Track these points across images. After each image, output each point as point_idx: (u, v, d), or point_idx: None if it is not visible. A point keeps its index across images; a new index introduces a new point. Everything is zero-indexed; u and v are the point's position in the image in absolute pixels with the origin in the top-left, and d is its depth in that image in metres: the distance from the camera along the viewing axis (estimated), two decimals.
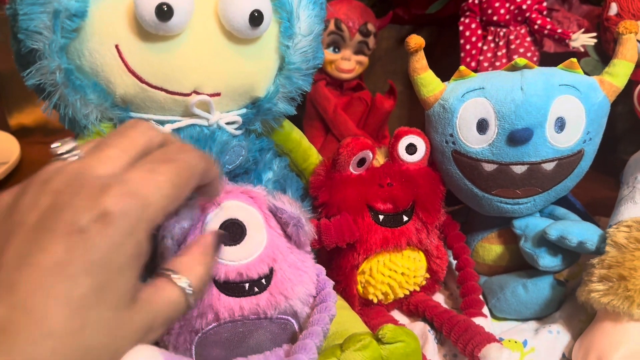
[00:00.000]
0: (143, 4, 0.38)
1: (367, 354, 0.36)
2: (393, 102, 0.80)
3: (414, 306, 0.55)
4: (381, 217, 0.51)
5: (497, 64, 0.78)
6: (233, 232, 0.37)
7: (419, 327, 0.53)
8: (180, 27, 0.40)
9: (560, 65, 0.52)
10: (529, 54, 0.77)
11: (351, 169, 0.51)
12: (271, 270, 0.37)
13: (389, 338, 0.37)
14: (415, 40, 0.53)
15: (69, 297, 0.24)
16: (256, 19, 0.41)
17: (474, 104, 0.51)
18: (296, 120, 0.57)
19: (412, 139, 0.53)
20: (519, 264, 0.56)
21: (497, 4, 0.76)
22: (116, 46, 0.40)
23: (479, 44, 0.79)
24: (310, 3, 0.47)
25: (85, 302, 0.24)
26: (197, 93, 0.43)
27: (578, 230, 0.49)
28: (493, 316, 0.55)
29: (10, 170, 0.86)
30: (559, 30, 0.75)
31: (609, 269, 0.46)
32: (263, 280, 0.37)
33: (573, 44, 0.74)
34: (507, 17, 0.77)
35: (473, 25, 0.79)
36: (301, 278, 0.39)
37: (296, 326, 0.39)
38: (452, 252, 0.58)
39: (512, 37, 0.77)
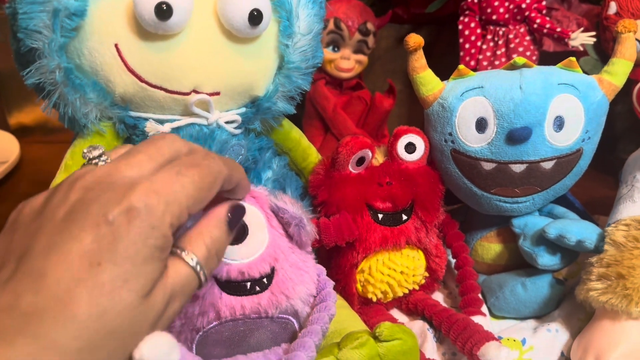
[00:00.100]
0: (142, 3, 0.38)
1: (364, 352, 0.36)
2: (392, 101, 0.80)
3: (413, 305, 0.55)
4: (380, 216, 0.51)
5: (497, 62, 0.78)
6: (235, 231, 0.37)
7: (418, 326, 0.53)
8: (180, 26, 0.40)
9: (559, 64, 0.52)
10: (528, 53, 0.77)
11: (350, 168, 0.51)
12: (272, 270, 0.37)
13: (386, 336, 0.37)
14: (414, 39, 0.53)
15: (95, 284, 0.25)
16: (255, 18, 0.41)
17: (473, 102, 0.51)
18: (296, 120, 0.57)
19: (411, 138, 0.53)
20: (518, 263, 0.56)
21: (496, 3, 0.76)
22: (115, 45, 0.40)
23: (478, 43, 0.79)
24: (309, 2, 0.47)
25: (110, 288, 0.25)
26: (197, 92, 0.44)
27: (577, 229, 0.50)
28: (492, 315, 0.55)
29: (10, 169, 0.87)
30: (558, 29, 0.75)
31: (607, 268, 0.46)
32: (264, 280, 0.37)
33: (572, 42, 0.74)
34: (507, 16, 0.77)
35: (472, 24, 0.79)
36: (302, 278, 0.39)
37: (296, 325, 0.39)
38: (451, 250, 0.58)
39: (511, 36, 0.77)
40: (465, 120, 0.51)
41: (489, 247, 0.58)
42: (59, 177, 0.45)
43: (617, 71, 0.51)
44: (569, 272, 0.59)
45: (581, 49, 0.75)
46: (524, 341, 0.50)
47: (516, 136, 0.49)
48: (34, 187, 0.74)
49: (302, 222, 0.39)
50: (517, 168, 0.51)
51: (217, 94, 0.45)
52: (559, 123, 0.49)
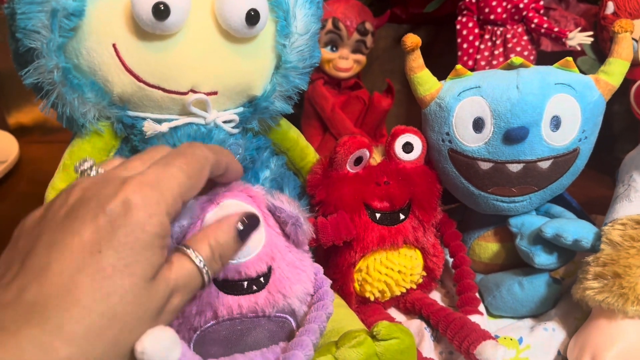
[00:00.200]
0: (140, 3, 0.38)
1: (361, 351, 0.36)
2: (391, 101, 0.81)
3: (410, 304, 0.55)
4: (378, 215, 0.52)
5: (494, 62, 0.78)
6: None
7: (416, 325, 0.53)
8: (177, 26, 0.40)
9: (556, 64, 0.53)
10: (525, 53, 0.78)
11: (348, 168, 0.51)
12: (269, 269, 0.37)
13: (384, 335, 0.37)
14: (412, 39, 0.53)
15: (97, 269, 0.26)
16: (252, 17, 0.42)
17: (470, 102, 0.51)
18: (294, 120, 0.57)
19: (409, 137, 0.54)
20: (515, 262, 0.56)
21: (494, 3, 0.76)
22: (113, 45, 0.40)
23: (476, 43, 0.79)
24: (306, 2, 0.47)
25: (111, 272, 0.26)
26: (194, 92, 0.44)
27: (573, 228, 0.50)
28: (489, 314, 0.56)
29: (9, 169, 0.87)
30: (556, 29, 0.75)
31: (603, 267, 0.46)
32: (261, 279, 0.37)
33: (570, 42, 0.74)
34: (504, 15, 0.77)
35: (470, 24, 0.79)
36: (299, 277, 0.39)
37: (294, 324, 0.39)
38: (448, 250, 0.58)
39: (509, 35, 0.78)
40: (463, 120, 0.52)
41: (486, 246, 0.58)
42: (57, 177, 0.45)
43: (614, 71, 0.51)
44: (566, 271, 0.60)
45: (579, 48, 0.75)
46: (520, 340, 0.51)
47: (513, 136, 0.49)
48: (33, 186, 0.75)
49: (299, 221, 0.39)
50: (514, 168, 0.51)
51: (215, 93, 0.45)
52: (556, 123, 0.50)
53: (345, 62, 0.78)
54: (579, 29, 0.75)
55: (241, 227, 0.34)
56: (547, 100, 0.49)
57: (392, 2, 0.90)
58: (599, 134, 0.53)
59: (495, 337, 0.47)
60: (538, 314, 0.54)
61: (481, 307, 0.54)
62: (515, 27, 0.78)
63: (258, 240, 0.37)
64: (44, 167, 0.49)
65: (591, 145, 0.53)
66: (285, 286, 0.38)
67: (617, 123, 0.83)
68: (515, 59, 0.52)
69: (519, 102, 0.49)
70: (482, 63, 0.79)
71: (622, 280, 0.45)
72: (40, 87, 0.41)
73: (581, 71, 0.52)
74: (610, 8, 0.77)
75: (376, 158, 0.54)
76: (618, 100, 0.67)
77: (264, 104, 0.48)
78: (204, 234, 0.33)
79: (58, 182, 0.45)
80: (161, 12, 0.38)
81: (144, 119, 0.44)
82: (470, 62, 0.79)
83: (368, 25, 0.77)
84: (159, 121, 0.44)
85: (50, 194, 0.45)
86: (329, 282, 0.42)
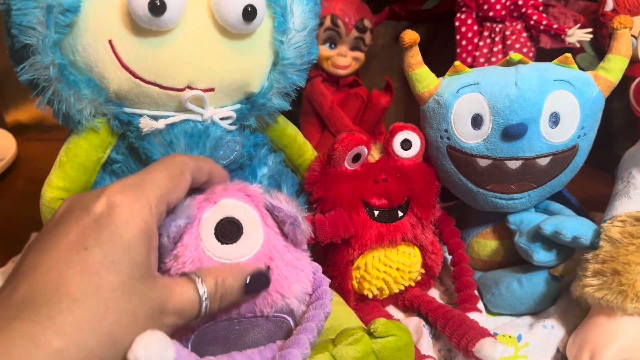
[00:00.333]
0: None
1: (359, 348, 0.36)
2: (389, 98, 0.80)
3: (409, 301, 0.55)
4: (376, 212, 0.51)
5: (493, 59, 0.78)
6: (230, 230, 0.37)
7: (414, 322, 0.53)
8: (174, 22, 0.40)
9: (555, 61, 0.52)
10: (524, 50, 0.77)
11: (346, 165, 0.51)
12: (268, 269, 0.37)
13: (381, 332, 0.37)
14: (410, 36, 0.53)
15: (84, 265, 0.27)
16: (249, 13, 0.41)
17: (469, 99, 0.51)
18: (292, 117, 0.57)
19: (407, 134, 0.53)
20: (514, 259, 0.56)
21: (493, 0, 0.76)
22: (109, 41, 0.40)
23: (475, 40, 0.79)
24: None
25: (99, 268, 0.27)
26: (191, 88, 0.43)
27: (572, 225, 0.50)
28: (488, 311, 0.55)
29: (7, 167, 0.87)
30: (555, 26, 0.75)
31: (603, 264, 0.46)
32: None
33: (569, 39, 0.74)
34: (503, 12, 0.77)
35: (469, 21, 0.79)
36: (298, 276, 0.39)
37: (292, 324, 0.39)
38: (447, 247, 0.58)
39: (508, 32, 0.77)
40: (461, 116, 0.51)
41: (485, 243, 0.58)
42: (54, 174, 0.45)
43: (613, 67, 0.51)
44: (565, 268, 0.60)
45: (578, 45, 0.75)
46: (519, 337, 0.50)
47: (512, 132, 0.49)
48: (31, 184, 0.75)
49: (297, 221, 0.39)
50: (513, 164, 0.51)
51: (212, 90, 0.44)
52: (555, 119, 0.49)
53: (344, 59, 0.78)
54: (578, 25, 0.75)
55: (249, 281, 0.35)
56: (546, 96, 0.49)
57: None
58: (598, 131, 0.53)
59: (494, 335, 0.46)
60: (537, 312, 0.54)
61: (480, 305, 0.54)
62: (514, 24, 0.78)
63: (256, 240, 0.37)
64: (42, 165, 0.49)
65: (590, 142, 0.52)
66: (283, 286, 0.38)
67: (617, 120, 0.83)
68: (514, 56, 0.52)
69: (517, 99, 0.49)
70: (481, 60, 0.79)
71: (621, 277, 0.44)
72: (36, 83, 0.41)
73: (580, 68, 0.52)
74: (609, 5, 0.77)
75: (374, 155, 0.54)
76: (617, 97, 0.67)
77: (261, 100, 0.48)
78: (215, 270, 0.34)
79: (54, 179, 0.44)
80: (157, 7, 0.38)
81: (141, 115, 0.44)
82: (469, 59, 0.79)
83: (367, 23, 0.77)
84: (156, 118, 0.44)
85: (46, 191, 0.44)
86: (327, 281, 0.42)
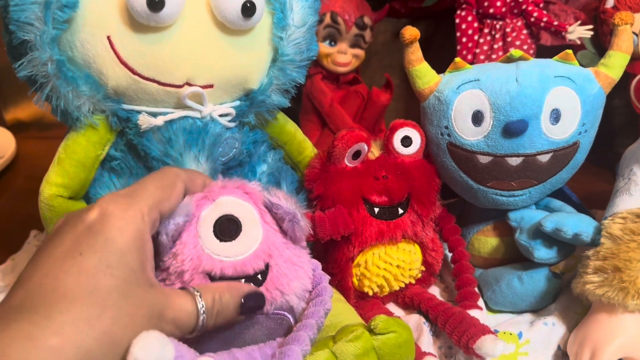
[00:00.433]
0: None
1: (359, 345, 0.36)
2: (389, 95, 0.80)
3: (409, 299, 0.55)
4: (376, 209, 0.51)
5: (494, 56, 0.77)
6: (228, 228, 0.37)
7: (414, 320, 0.53)
8: (172, 17, 0.40)
9: (556, 57, 0.52)
10: (525, 47, 0.77)
11: (346, 162, 0.51)
12: (267, 266, 0.37)
13: (381, 329, 0.37)
14: (410, 32, 0.53)
15: (80, 269, 0.27)
16: (248, 9, 0.41)
17: (469, 95, 0.51)
18: (292, 115, 0.57)
19: (408, 131, 0.53)
20: (515, 257, 0.56)
21: None
22: (108, 37, 0.40)
23: (476, 37, 0.79)
24: None
25: (95, 272, 0.28)
26: (190, 85, 0.43)
27: (573, 222, 0.49)
28: (488, 309, 0.55)
29: (6, 164, 0.87)
30: (555, 23, 0.75)
31: (604, 261, 0.46)
32: (259, 276, 0.37)
33: (569, 36, 0.74)
34: (504, 9, 0.77)
35: (469, 18, 0.79)
36: (297, 273, 0.39)
37: (292, 321, 0.39)
38: (447, 244, 0.58)
39: (508, 29, 0.77)
40: (462, 113, 0.51)
41: (486, 240, 0.58)
42: (52, 171, 0.45)
43: (614, 64, 0.51)
44: (566, 265, 0.59)
45: (578, 42, 0.75)
46: (520, 335, 0.50)
47: (512, 129, 0.49)
48: (30, 182, 0.75)
49: (296, 218, 0.39)
50: (514, 161, 0.50)
51: (211, 86, 0.44)
52: (556, 116, 0.49)
53: (344, 56, 0.78)
54: (579, 22, 0.74)
55: (244, 301, 0.35)
56: (547, 93, 0.49)
57: None
58: (599, 129, 0.53)
59: (495, 332, 0.46)
60: (538, 309, 0.54)
61: (480, 302, 0.54)
62: (514, 21, 0.78)
63: (255, 237, 0.37)
64: (41, 162, 0.49)
65: (591, 139, 0.52)
66: (283, 283, 0.38)
67: (617, 117, 0.83)
68: (515, 52, 0.52)
69: (518, 95, 0.49)
70: (482, 57, 0.78)
71: (622, 274, 0.44)
72: (35, 80, 0.41)
73: (581, 65, 0.52)
74: (610, 2, 0.77)
75: (374, 152, 0.54)
76: (618, 94, 0.67)
77: (260, 97, 0.48)
78: (213, 287, 0.34)
79: (53, 176, 0.44)
80: (155, 3, 0.38)
81: (139, 112, 0.44)
82: (469, 56, 0.79)
83: (367, 20, 0.77)
84: (154, 114, 0.44)
85: (45, 188, 0.44)
86: (327, 278, 0.42)
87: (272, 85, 0.48)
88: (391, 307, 0.57)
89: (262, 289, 0.37)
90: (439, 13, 0.88)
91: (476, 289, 0.54)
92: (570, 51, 0.52)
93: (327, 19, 0.75)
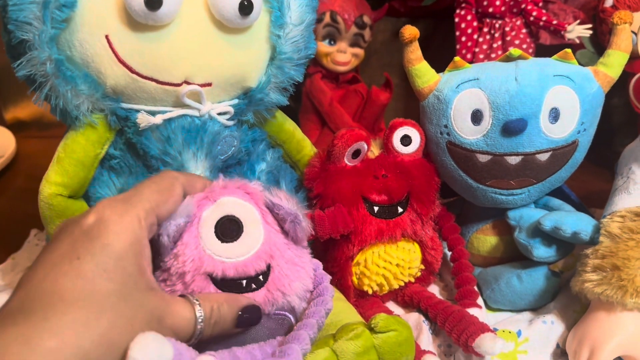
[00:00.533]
0: None
1: (359, 343, 0.36)
2: (389, 94, 0.80)
3: (408, 297, 0.55)
4: (376, 208, 0.51)
5: (493, 55, 0.77)
6: (230, 228, 0.36)
7: (414, 318, 0.53)
8: (170, 16, 0.40)
9: (555, 56, 0.52)
10: (524, 46, 0.77)
11: (346, 161, 0.51)
12: (268, 267, 0.37)
13: (382, 327, 0.37)
14: (410, 31, 0.53)
15: (77, 273, 0.27)
16: (246, 7, 0.41)
17: (469, 94, 0.51)
18: (292, 114, 0.57)
19: (407, 130, 0.53)
20: (514, 255, 0.56)
21: None
22: (106, 36, 0.40)
23: (475, 36, 0.79)
24: None
25: (92, 276, 0.28)
26: (188, 83, 0.43)
27: (572, 221, 0.49)
28: (488, 307, 0.55)
29: (6, 164, 0.87)
30: (554, 22, 0.75)
31: (602, 259, 0.46)
32: (260, 277, 0.37)
33: (568, 35, 0.74)
34: (503, 8, 0.77)
35: (469, 17, 0.79)
36: (298, 274, 0.39)
37: (293, 321, 0.39)
38: (447, 243, 0.58)
39: (507, 29, 0.77)
40: (461, 112, 0.51)
41: (485, 239, 0.58)
42: (52, 170, 0.45)
43: (613, 63, 0.51)
44: (565, 264, 0.60)
45: (577, 41, 0.75)
46: (519, 333, 0.50)
47: (511, 128, 0.49)
48: (30, 181, 0.75)
49: (298, 219, 0.39)
50: (513, 160, 0.50)
51: (209, 85, 0.44)
52: (555, 115, 0.49)
53: (343, 55, 0.78)
54: (578, 21, 0.74)
55: (240, 314, 0.35)
56: (546, 92, 0.49)
57: None
58: (598, 128, 0.53)
59: (494, 330, 0.46)
60: (537, 307, 0.54)
61: (480, 300, 0.54)
62: (514, 20, 0.78)
63: (256, 238, 0.37)
64: (41, 162, 0.49)
65: (590, 138, 0.52)
66: (284, 284, 0.37)
67: (617, 116, 0.83)
68: (514, 51, 0.52)
69: (517, 94, 0.49)
70: (481, 56, 0.78)
71: (620, 272, 0.44)
72: (34, 79, 0.41)
73: (580, 64, 0.52)
74: (609, 1, 0.77)
75: (374, 151, 0.54)
76: (617, 93, 0.67)
77: (258, 95, 0.48)
78: (212, 297, 0.34)
79: (52, 175, 0.44)
80: (153, 2, 0.38)
81: (138, 111, 0.44)
82: (468, 56, 0.79)
83: (366, 19, 0.77)
84: (153, 113, 0.44)
85: (44, 187, 0.44)
86: (328, 277, 0.41)
87: (271, 83, 0.48)
88: (391, 305, 0.57)
89: (263, 289, 0.37)
90: (438, 12, 0.88)
91: (475, 288, 0.54)
92: (569, 50, 0.52)
93: (327, 18, 0.75)
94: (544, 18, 0.75)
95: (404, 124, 0.53)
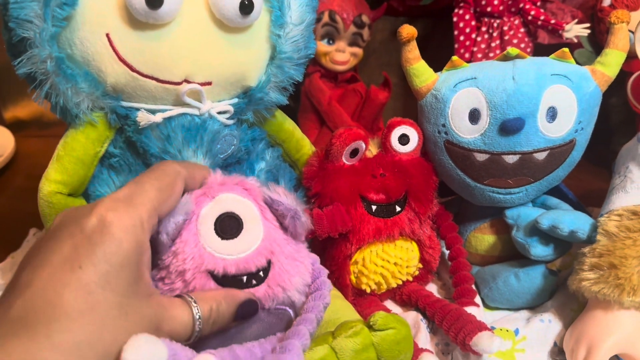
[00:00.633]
0: None
1: (358, 341, 0.36)
2: (387, 94, 0.80)
3: (406, 296, 0.55)
4: (374, 207, 0.51)
5: (491, 55, 0.77)
6: (229, 225, 0.36)
7: (412, 317, 0.53)
8: (171, 15, 0.40)
9: (552, 55, 0.52)
10: (522, 45, 0.77)
11: (344, 160, 0.51)
12: (269, 263, 0.37)
13: (380, 325, 0.37)
14: (408, 30, 0.53)
15: (79, 284, 0.27)
16: (246, 7, 0.41)
17: (466, 93, 0.51)
18: (291, 113, 0.57)
19: (405, 129, 0.53)
20: (511, 254, 0.56)
21: None
22: (107, 35, 0.40)
23: (473, 36, 0.79)
24: None
25: (94, 288, 0.27)
26: (188, 82, 0.43)
27: (569, 220, 0.50)
28: (485, 306, 0.56)
29: (5, 163, 0.87)
30: (552, 21, 0.75)
31: (599, 258, 0.46)
32: (261, 273, 0.37)
33: (566, 34, 0.74)
34: (501, 8, 0.77)
35: (467, 17, 0.79)
36: (298, 269, 0.39)
37: (293, 315, 0.39)
38: (444, 242, 0.58)
39: (505, 28, 0.77)
40: (459, 111, 0.51)
41: (483, 238, 0.58)
42: (51, 168, 0.45)
43: (610, 62, 0.51)
44: (562, 263, 0.60)
45: (575, 41, 0.75)
46: (516, 331, 0.51)
47: (509, 127, 0.49)
48: (30, 181, 0.75)
49: (298, 214, 0.39)
50: (510, 159, 0.51)
51: (209, 84, 0.44)
52: (552, 114, 0.49)
53: (342, 55, 0.78)
54: (576, 21, 0.75)
55: (238, 309, 0.35)
56: (543, 91, 0.49)
57: None
58: (596, 127, 0.53)
59: (492, 329, 0.47)
60: (534, 306, 0.54)
61: (477, 299, 0.54)
62: (512, 19, 0.78)
63: (256, 234, 0.37)
64: (41, 161, 0.49)
65: (587, 137, 0.53)
66: (284, 279, 0.38)
67: (614, 116, 0.83)
68: (512, 50, 0.52)
69: (515, 93, 0.49)
70: (479, 56, 0.78)
71: (618, 271, 0.45)
72: (34, 77, 0.41)
73: (578, 63, 0.52)
74: (607, 0, 0.77)
75: (372, 150, 0.54)
76: (615, 92, 0.67)
77: (258, 94, 0.48)
78: (209, 296, 0.34)
79: (52, 173, 0.44)
80: (154, 1, 0.38)
81: (138, 109, 0.44)
82: (467, 55, 0.79)
83: (365, 18, 0.77)
84: (153, 112, 0.44)
85: (44, 185, 0.44)
86: (326, 272, 0.42)
87: (270, 82, 0.48)
88: (389, 304, 0.57)
89: (264, 285, 0.37)
90: (436, 11, 0.87)
91: (473, 286, 0.55)
92: (566, 49, 0.52)
93: (325, 18, 0.75)
94: (542, 17, 0.75)
95: (401, 123, 0.54)
